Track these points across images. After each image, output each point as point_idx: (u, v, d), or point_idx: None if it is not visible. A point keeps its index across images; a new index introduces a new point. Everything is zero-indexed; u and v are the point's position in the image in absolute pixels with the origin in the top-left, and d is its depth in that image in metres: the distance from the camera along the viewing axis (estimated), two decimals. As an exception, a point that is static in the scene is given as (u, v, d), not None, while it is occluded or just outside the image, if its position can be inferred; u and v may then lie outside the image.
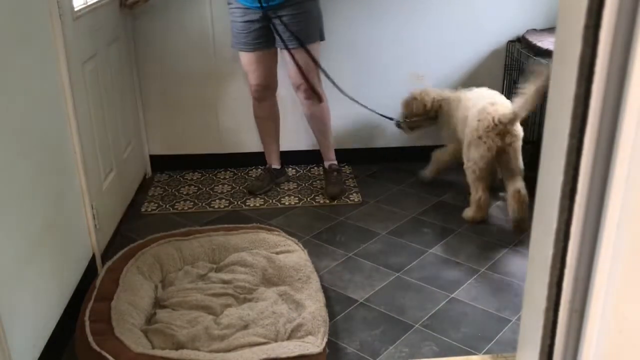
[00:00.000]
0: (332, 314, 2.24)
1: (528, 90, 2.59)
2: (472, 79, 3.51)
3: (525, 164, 2.86)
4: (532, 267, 1.00)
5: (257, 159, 3.53)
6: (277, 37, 2.95)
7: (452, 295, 2.36)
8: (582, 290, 0.88)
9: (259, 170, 3.50)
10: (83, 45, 2.47)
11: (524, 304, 1.06)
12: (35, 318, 1.85)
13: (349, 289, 2.42)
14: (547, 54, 2.94)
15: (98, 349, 1.80)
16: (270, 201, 3.20)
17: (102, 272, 2.20)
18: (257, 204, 3.17)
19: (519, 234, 2.79)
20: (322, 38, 3.07)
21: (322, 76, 3.14)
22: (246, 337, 1.92)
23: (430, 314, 2.25)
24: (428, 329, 2.16)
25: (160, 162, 3.57)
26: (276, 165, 3.39)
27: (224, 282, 2.24)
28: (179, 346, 1.90)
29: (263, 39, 2.98)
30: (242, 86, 3.37)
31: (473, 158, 2.80)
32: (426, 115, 3.19)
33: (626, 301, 0.86)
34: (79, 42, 2.41)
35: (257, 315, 2.03)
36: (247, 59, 3.08)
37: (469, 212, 2.94)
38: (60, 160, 2.17)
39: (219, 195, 3.27)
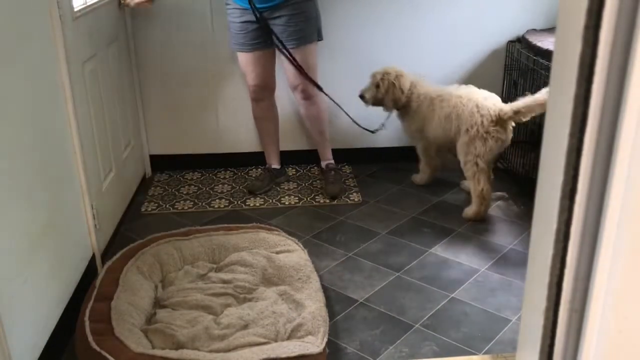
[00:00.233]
0: (332, 314, 2.24)
1: (538, 98, 2.67)
2: (472, 79, 3.51)
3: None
4: (532, 267, 1.00)
5: (257, 158, 3.53)
6: (274, 38, 2.95)
7: (452, 295, 2.36)
8: (582, 290, 0.88)
9: (259, 170, 3.51)
10: (83, 46, 2.47)
11: (524, 304, 1.06)
12: (35, 318, 1.85)
13: (349, 289, 2.42)
14: (547, 54, 2.94)
15: (98, 349, 1.80)
16: (270, 201, 3.20)
17: (102, 272, 2.20)
18: (257, 204, 3.17)
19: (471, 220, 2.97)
20: (320, 38, 3.07)
21: (319, 77, 3.15)
22: (246, 337, 1.92)
23: (430, 314, 2.25)
24: (428, 329, 2.16)
25: (160, 162, 3.57)
26: (276, 165, 3.39)
27: (224, 281, 2.24)
28: (179, 346, 1.90)
29: (261, 39, 2.98)
30: (241, 86, 3.37)
31: (479, 152, 2.86)
32: (395, 103, 3.10)
33: (626, 301, 0.86)
34: (78, 42, 2.41)
35: (257, 315, 2.03)
36: (245, 60, 3.08)
37: (472, 208, 2.95)
38: (60, 160, 2.17)
39: (219, 195, 3.27)
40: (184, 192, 3.31)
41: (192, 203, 3.19)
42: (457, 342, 2.10)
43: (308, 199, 3.21)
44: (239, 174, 3.55)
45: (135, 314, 2.01)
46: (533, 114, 2.76)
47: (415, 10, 3.36)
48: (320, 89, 3.12)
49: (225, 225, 2.63)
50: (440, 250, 2.69)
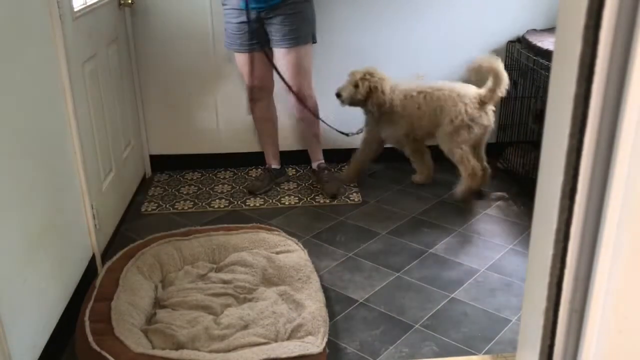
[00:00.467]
0: (332, 314, 2.23)
1: (490, 62, 2.90)
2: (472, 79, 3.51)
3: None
4: (532, 267, 1.00)
5: (257, 159, 3.53)
6: (271, 37, 2.95)
7: (452, 295, 2.36)
8: (582, 290, 0.88)
9: (259, 170, 3.51)
10: (83, 46, 2.47)
11: (524, 304, 1.06)
12: (35, 318, 1.85)
13: (349, 289, 2.42)
14: (547, 54, 2.94)
15: (98, 349, 1.80)
16: (270, 201, 3.20)
17: (102, 272, 2.19)
18: (257, 204, 3.17)
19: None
20: (314, 40, 3.07)
21: (314, 78, 3.14)
22: (246, 337, 1.92)
23: (430, 314, 2.25)
24: (428, 329, 2.16)
25: (160, 162, 3.57)
26: (276, 165, 3.39)
27: (224, 282, 2.24)
28: (179, 346, 1.90)
29: (258, 39, 2.97)
30: (241, 86, 3.37)
31: (464, 139, 2.99)
32: (379, 107, 3.05)
33: (626, 301, 0.86)
34: (78, 42, 2.41)
35: (257, 315, 2.03)
36: (242, 60, 3.08)
37: (462, 186, 3.06)
38: (60, 160, 2.17)
39: (219, 195, 3.27)
40: (184, 192, 3.31)
41: (192, 203, 3.19)
42: (457, 342, 2.10)
43: (308, 199, 3.21)
44: (239, 174, 3.55)
45: (135, 314, 2.01)
46: (499, 84, 2.89)
47: (415, 10, 3.36)
48: (289, 89, 3.09)
49: (225, 225, 2.63)
50: (440, 250, 2.69)
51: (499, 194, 3.22)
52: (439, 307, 2.29)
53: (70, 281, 2.17)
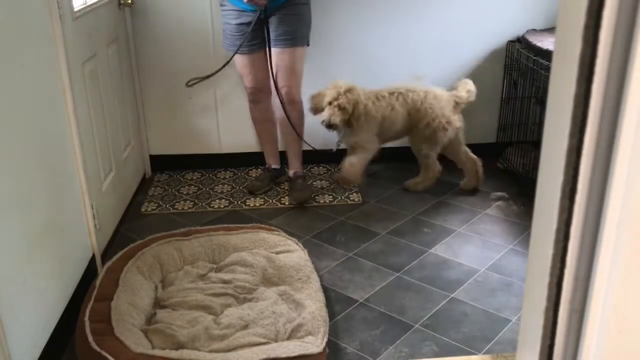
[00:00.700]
0: (332, 314, 2.24)
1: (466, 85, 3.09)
2: (472, 79, 3.51)
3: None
4: (532, 267, 1.00)
5: (257, 159, 3.53)
6: (270, 36, 2.94)
7: (452, 295, 2.36)
8: (582, 290, 0.88)
9: (259, 170, 3.50)
10: (83, 46, 2.47)
11: (524, 304, 1.06)
12: (35, 318, 1.85)
13: (349, 289, 2.42)
14: (547, 54, 2.94)
15: (98, 349, 1.80)
16: (270, 201, 3.20)
17: (102, 272, 2.19)
18: (257, 204, 3.17)
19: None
20: (307, 43, 3.06)
21: (311, 78, 3.14)
22: (246, 337, 1.92)
23: (430, 314, 2.25)
24: (428, 329, 2.16)
25: (160, 162, 3.57)
26: (275, 165, 3.38)
27: (224, 282, 2.24)
28: (179, 346, 1.90)
29: (257, 40, 2.96)
30: (241, 86, 3.37)
31: (440, 142, 3.11)
32: (359, 118, 3.00)
33: (626, 301, 0.86)
34: (78, 42, 2.41)
35: (257, 315, 2.03)
36: (242, 62, 3.06)
37: (427, 182, 3.23)
38: (60, 160, 2.17)
39: (219, 195, 3.27)
40: (184, 192, 3.31)
41: (192, 203, 3.19)
42: (457, 342, 2.10)
43: (313, 195, 3.21)
44: (239, 174, 3.55)
45: (135, 314, 2.01)
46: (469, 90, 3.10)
47: (415, 10, 3.36)
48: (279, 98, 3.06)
49: (225, 225, 2.63)
50: (440, 250, 2.69)
51: (499, 194, 3.22)
52: (439, 307, 2.29)
53: (70, 281, 2.17)
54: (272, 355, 1.79)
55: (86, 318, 1.93)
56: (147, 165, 3.53)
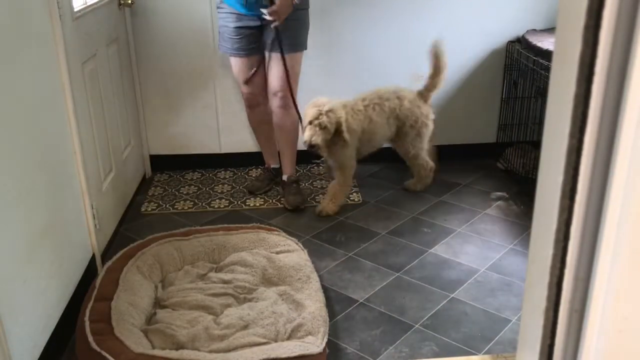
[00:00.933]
0: (332, 314, 2.24)
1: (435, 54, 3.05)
2: (472, 79, 3.51)
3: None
4: (532, 267, 1.00)
5: (257, 159, 3.53)
6: (268, 41, 2.91)
7: (452, 295, 2.36)
8: (582, 290, 0.88)
9: (259, 170, 3.50)
10: (83, 45, 2.47)
11: (524, 304, 1.06)
12: (35, 318, 1.85)
13: (349, 289, 2.42)
14: (547, 54, 2.94)
15: (98, 349, 1.80)
16: (270, 201, 3.20)
17: (102, 272, 2.19)
18: (257, 204, 3.17)
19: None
20: (305, 48, 3.03)
21: (310, 79, 3.13)
22: (246, 337, 1.92)
23: (430, 314, 2.25)
24: (428, 329, 2.16)
25: (160, 162, 3.57)
26: (275, 164, 3.38)
27: (224, 282, 2.24)
28: (179, 346, 1.90)
29: (256, 44, 2.93)
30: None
31: (426, 139, 3.15)
32: (341, 135, 2.89)
33: (626, 301, 0.86)
34: (78, 42, 2.41)
35: (257, 315, 2.03)
36: (239, 65, 3.01)
37: (424, 181, 3.26)
38: (60, 160, 2.17)
39: (219, 195, 3.27)
40: (184, 192, 3.31)
41: (192, 203, 3.19)
42: (457, 342, 2.10)
43: (308, 199, 3.21)
44: (239, 174, 3.55)
45: (135, 314, 2.01)
46: (439, 73, 3.08)
47: (415, 10, 3.36)
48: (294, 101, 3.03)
49: (225, 225, 2.63)
50: (440, 250, 2.69)
51: (499, 194, 3.22)
52: (439, 307, 2.29)
53: (70, 281, 2.17)
54: (272, 355, 1.79)
55: (86, 318, 1.93)
56: (147, 165, 3.53)
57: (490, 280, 2.46)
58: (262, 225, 2.62)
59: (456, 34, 3.41)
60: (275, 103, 3.05)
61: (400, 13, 3.36)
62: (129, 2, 3.12)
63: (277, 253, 2.41)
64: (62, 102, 2.20)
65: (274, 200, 3.21)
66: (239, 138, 3.56)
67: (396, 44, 3.42)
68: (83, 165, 2.33)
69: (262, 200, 3.21)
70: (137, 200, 3.21)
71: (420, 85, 3.14)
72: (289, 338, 1.95)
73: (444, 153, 3.63)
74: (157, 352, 1.82)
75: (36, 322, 1.86)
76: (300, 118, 3.02)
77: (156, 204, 3.17)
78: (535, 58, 3.02)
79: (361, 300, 2.34)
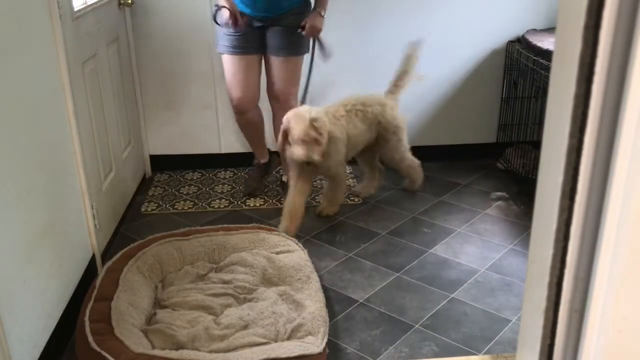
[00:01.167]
0: (332, 314, 2.23)
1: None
2: (472, 79, 3.51)
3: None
4: (532, 267, 1.00)
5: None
6: (270, 44, 2.89)
7: (452, 295, 2.36)
8: (582, 290, 0.88)
9: (249, 170, 3.45)
10: (83, 45, 2.47)
11: (524, 304, 1.06)
12: (35, 318, 1.85)
13: (349, 289, 2.42)
14: (547, 54, 2.94)
15: (98, 349, 1.80)
16: (270, 201, 3.20)
17: (102, 272, 2.19)
18: (257, 204, 3.17)
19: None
20: (307, 50, 3.01)
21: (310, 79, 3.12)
22: (246, 337, 1.92)
23: (430, 314, 2.25)
24: (428, 329, 2.16)
25: (160, 162, 3.57)
26: (264, 159, 3.33)
27: (224, 282, 2.24)
28: (179, 346, 1.90)
29: (255, 44, 2.89)
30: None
31: (405, 141, 3.10)
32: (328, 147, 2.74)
33: (626, 301, 0.86)
34: (78, 42, 2.41)
35: (257, 315, 2.03)
36: (234, 64, 2.91)
37: (418, 182, 3.23)
38: (61, 160, 2.17)
39: (219, 195, 3.27)
40: (184, 192, 3.31)
41: (192, 203, 3.19)
42: (457, 342, 2.10)
43: (308, 199, 3.21)
44: (239, 174, 3.55)
45: (135, 314, 2.01)
46: (406, 75, 3.06)
47: (415, 10, 3.36)
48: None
49: (225, 225, 2.62)
50: (440, 250, 2.69)
51: (499, 194, 3.22)
52: (439, 307, 2.29)
53: (70, 281, 2.17)
54: (272, 355, 1.79)
55: (86, 318, 1.93)
56: (147, 165, 3.53)
57: (490, 280, 2.46)
58: (262, 226, 2.62)
59: (456, 34, 3.41)
60: (277, 106, 3.05)
61: (400, 13, 3.36)
62: (129, 1, 3.12)
63: (277, 253, 2.41)
64: (62, 102, 2.19)
65: (274, 201, 3.21)
66: (239, 138, 3.56)
67: (396, 44, 3.41)
68: (83, 165, 2.33)
69: (262, 200, 3.21)
70: (137, 200, 3.21)
71: (387, 87, 3.11)
72: (289, 338, 1.95)
73: (444, 153, 3.64)
74: (157, 352, 1.82)
75: (36, 322, 1.86)
76: None
77: (156, 204, 3.17)
78: (535, 58, 3.02)
79: (361, 300, 2.34)
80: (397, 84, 3.08)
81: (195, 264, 2.38)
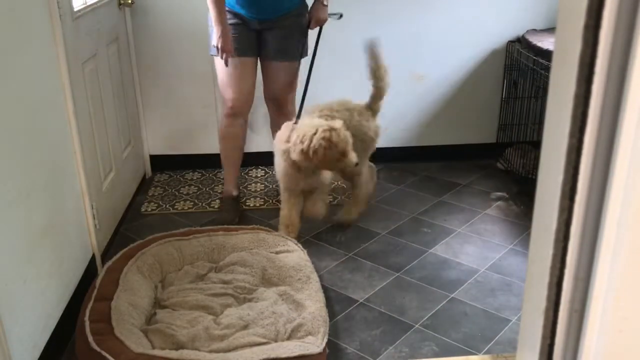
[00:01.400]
0: (332, 314, 2.24)
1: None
2: (472, 79, 3.51)
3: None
4: (532, 267, 1.00)
5: (257, 159, 3.53)
6: (268, 48, 2.84)
7: (452, 295, 2.36)
8: (582, 290, 0.88)
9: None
10: (83, 45, 2.47)
11: (524, 304, 1.06)
12: (35, 318, 1.85)
13: (349, 289, 2.42)
14: (547, 54, 2.94)
15: (98, 349, 1.80)
16: (270, 201, 3.20)
17: (102, 272, 2.19)
18: (257, 204, 3.17)
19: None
20: (307, 53, 2.97)
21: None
22: (246, 337, 1.92)
23: (430, 314, 2.25)
24: (428, 329, 2.16)
25: (160, 162, 3.57)
26: (236, 192, 3.11)
27: (224, 282, 2.24)
28: (179, 346, 1.90)
29: (253, 46, 2.83)
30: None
31: (368, 157, 2.87)
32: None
33: (626, 301, 0.86)
34: (78, 42, 2.41)
35: (257, 315, 2.03)
36: (231, 65, 2.78)
37: (362, 206, 2.93)
38: (61, 160, 2.17)
39: (219, 195, 3.27)
40: (184, 192, 3.31)
41: (192, 203, 3.19)
42: (457, 342, 2.10)
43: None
44: (239, 174, 3.54)
45: (135, 314, 2.01)
46: (379, 78, 2.76)
47: (415, 9, 3.36)
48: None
49: (225, 225, 2.63)
50: (440, 250, 2.69)
51: (499, 194, 3.22)
52: (439, 307, 2.29)
53: (70, 281, 2.17)
54: (272, 355, 1.79)
55: (86, 318, 1.93)
56: (147, 165, 3.53)
57: (490, 280, 2.46)
58: (262, 227, 2.62)
59: (456, 34, 3.41)
60: (275, 110, 3.02)
61: (399, 13, 3.36)
62: (129, 1, 3.12)
63: (277, 253, 2.41)
64: (62, 102, 2.19)
65: (274, 201, 3.21)
66: (239, 138, 3.56)
67: (396, 44, 3.41)
68: (83, 165, 2.33)
69: (262, 200, 3.21)
70: (137, 200, 3.21)
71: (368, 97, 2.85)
72: (289, 338, 1.95)
73: (444, 153, 3.64)
74: (157, 352, 1.82)
75: (36, 322, 1.86)
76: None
77: (156, 204, 3.17)
78: (535, 58, 3.02)
79: (361, 300, 2.34)
80: (373, 97, 2.80)
81: (195, 263, 2.38)
